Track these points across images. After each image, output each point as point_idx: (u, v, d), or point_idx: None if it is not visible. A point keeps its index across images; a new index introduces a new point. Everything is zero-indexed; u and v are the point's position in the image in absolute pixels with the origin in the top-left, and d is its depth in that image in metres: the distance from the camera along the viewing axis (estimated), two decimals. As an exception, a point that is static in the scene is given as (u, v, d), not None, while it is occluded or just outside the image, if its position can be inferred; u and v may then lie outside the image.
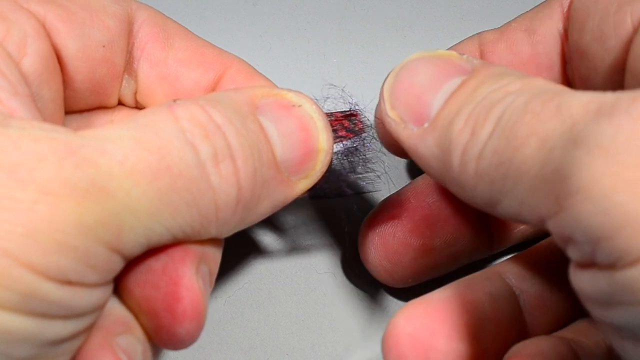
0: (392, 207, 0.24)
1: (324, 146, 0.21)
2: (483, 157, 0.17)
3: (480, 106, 0.18)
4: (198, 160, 0.17)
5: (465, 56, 0.21)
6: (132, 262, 0.19)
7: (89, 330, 0.18)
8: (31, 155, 0.15)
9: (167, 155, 0.17)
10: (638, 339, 0.14)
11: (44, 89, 0.21)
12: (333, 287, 0.31)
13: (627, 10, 0.20)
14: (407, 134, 0.20)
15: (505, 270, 0.23)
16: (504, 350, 0.20)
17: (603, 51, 0.21)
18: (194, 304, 0.19)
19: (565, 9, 0.23)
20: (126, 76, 0.24)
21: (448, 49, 0.25)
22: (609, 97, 0.15)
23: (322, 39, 0.38)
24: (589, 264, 0.15)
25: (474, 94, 0.19)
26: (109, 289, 0.18)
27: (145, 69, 0.24)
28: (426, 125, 0.20)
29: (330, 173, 0.23)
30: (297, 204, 0.32)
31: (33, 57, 0.20)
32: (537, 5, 0.25)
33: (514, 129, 0.17)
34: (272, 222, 0.32)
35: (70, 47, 0.22)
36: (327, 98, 0.24)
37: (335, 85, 0.24)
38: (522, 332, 0.22)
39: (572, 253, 0.15)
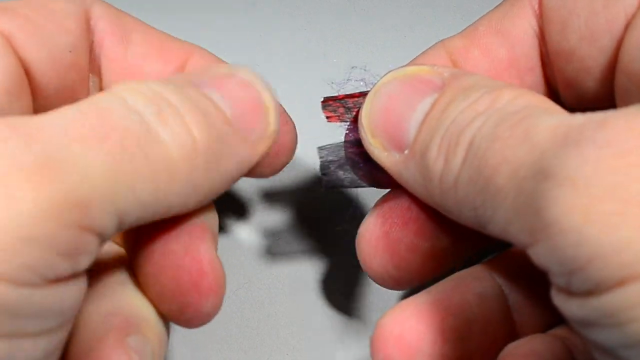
0: (393, 208, 0.22)
1: (270, 104, 0.21)
2: (459, 185, 0.18)
3: (449, 132, 0.18)
4: (141, 118, 0.17)
5: (435, 68, 0.21)
6: (151, 249, 0.19)
7: (62, 347, 0.17)
8: None
9: (109, 117, 0.17)
10: (617, 357, 0.14)
11: (14, 104, 0.20)
12: (333, 287, 0.31)
13: (620, 6, 0.19)
14: (391, 161, 0.20)
15: (494, 269, 0.23)
16: (492, 349, 0.20)
17: (595, 51, 0.20)
18: (217, 278, 0.19)
19: (536, 7, 0.22)
20: (90, 75, 0.24)
21: (414, 59, 0.24)
22: (577, 120, 0.15)
23: (322, 39, 0.38)
24: (565, 291, 0.15)
25: (444, 116, 0.19)
26: (85, 281, 0.17)
27: (107, 66, 0.24)
28: (406, 152, 0.20)
29: (347, 161, 0.23)
30: (298, 203, 0.32)
31: (1, 75, 0.20)
32: (502, 4, 0.23)
33: (484, 156, 0.16)
34: (272, 222, 0.32)
35: (37, 58, 0.21)
36: (349, 80, 0.23)
37: (356, 67, 0.24)
38: (511, 331, 0.22)
39: (551, 279, 0.16)
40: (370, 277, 0.23)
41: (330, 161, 0.23)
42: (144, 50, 0.24)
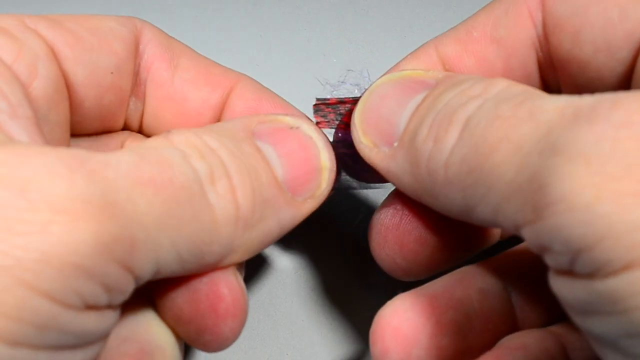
0: (406, 201, 0.22)
1: (326, 164, 0.21)
2: (451, 164, 0.17)
3: (442, 113, 0.18)
4: (196, 176, 0.18)
5: (430, 72, 0.21)
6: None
7: None
8: (41, 169, 0.15)
9: (168, 168, 0.17)
10: (617, 348, 0.14)
11: (52, 113, 0.21)
12: (333, 287, 0.31)
13: (636, 18, 0.19)
14: (380, 156, 0.21)
15: (498, 265, 0.23)
16: (490, 346, 0.20)
17: (612, 62, 0.20)
18: (236, 301, 0.19)
19: (537, 15, 0.22)
20: (133, 99, 0.24)
21: (404, 58, 0.24)
22: (586, 100, 0.15)
23: (322, 39, 0.38)
24: (566, 272, 0.15)
25: (436, 102, 0.19)
26: (118, 314, 0.18)
27: (152, 91, 0.24)
28: (396, 144, 0.20)
29: (355, 162, 0.23)
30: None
31: (44, 80, 0.20)
32: (495, 7, 0.23)
33: (483, 134, 0.16)
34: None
35: (78, 74, 0.21)
36: (343, 82, 0.23)
37: (352, 70, 0.24)
38: (512, 328, 0.22)
39: (549, 261, 0.15)
40: (380, 266, 0.24)
41: None
42: (191, 76, 0.24)
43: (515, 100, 0.16)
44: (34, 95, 0.20)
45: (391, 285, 0.31)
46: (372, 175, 0.22)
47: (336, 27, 0.38)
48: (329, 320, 0.30)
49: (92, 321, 0.16)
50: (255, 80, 0.26)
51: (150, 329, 0.20)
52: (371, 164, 0.21)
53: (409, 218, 0.22)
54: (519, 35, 0.22)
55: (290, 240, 0.32)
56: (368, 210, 0.33)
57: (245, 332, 0.30)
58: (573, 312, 0.15)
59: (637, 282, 0.13)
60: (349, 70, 0.24)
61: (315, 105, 0.23)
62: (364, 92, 0.22)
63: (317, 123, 0.23)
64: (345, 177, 0.24)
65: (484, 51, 0.22)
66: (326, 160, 0.21)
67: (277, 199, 0.20)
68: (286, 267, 0.31)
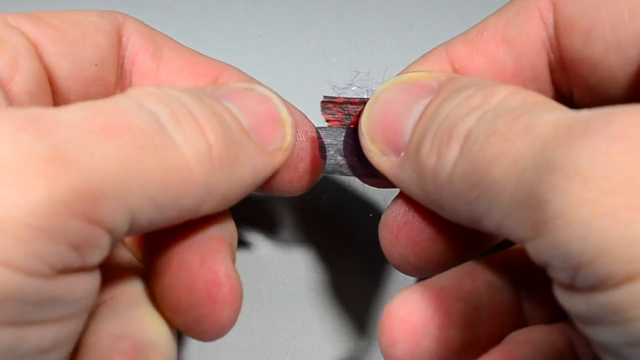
0: (414, 200, 0.22)
1: (287, 119, 0.22)
2: (454, 179, 0.17)
3: (443, 126, 0.18)
4: (157, 120, 0.17)
5: (433, 73, 0.21)
6: (168, 260, 0.19)
7: (72, 341, 0.17)
8: None
9: (123, 115, 0.17)
10: (619, 356, 0.14)
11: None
12: (333, 287, 0.31)
13: None
14: (389, 165, 0.21)
15: (506, 259, 0.23)
16: (498, 338, 0.20)
17: (623, 61, 0.20)
18: (233, 290, 0.19)
19: (548, 15, 0.22)
20: (118, 91, 0.24)
21: (414, 62, 0.24)
22: (582, 114, 0.15)
23: (322, 39, 0.38)
24: (568, 287, 0.15)
25: (437, 113, 0.19)
26: (97, 278, 0.17)
27: (137, 81, 0.24)
28: (403, 154, 0.20)
29: (346, 163, 0.23)
30: (298, 203, 0.32)
31: (25, 76, 0.20)
32: (506, 8, 0.23)
33: (482, 150, 0.16)
34: (272, 221, 0.32)
35: (63, 68, 0.21)
36: (351, 85, 0.24)
37: (360, 72, 0.24)
38: (519, 322, 0.22)
39: (552, 275, 0.15)
40: (391, 264, 0.24)
41: (329, 144, 0.23)
42: (176, 66, 0.24)
43: (513, 114, 0.16)
44: (16, 90, 0.20)
45: (393, 286, 0.31)
46: (384, 181, 0.22)
47: (336, 27, 0.38)
48: (329, 320, 0.30)
49: (65, 287, 0.15)
50: (240, 70, 0.26)
51: (144, 325, 0.20)
52: (381, 171, 0.21)
53: (419, 216, 0.22)
54: (530, 35, 0.22)
55: (291, 240, 0.32)
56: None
57: (245, 332, 0.30)
58: (577, 321, 0.15)
59: (636, 294, 0.13)
60: (357, 72, 0.24)
61: (322, 102, 0.23)
62: (373, 94, 0.22)
63: (327, 121, 0.23)
64: (331, 161, 0.24)
65: (495, 51, 0.22)
66: (285, 114, 0.22)
67: (247, 144, 0.20)
68: (286, 267, 0.31)
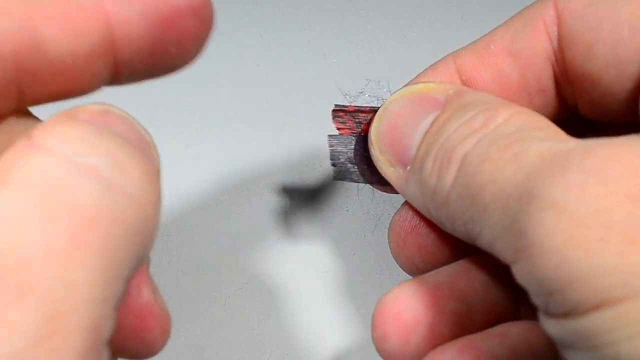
0: None
1: (149, 137, 0.17)
2: (451, 201, 0.18)
3: (444, 147, 0.19)
4: (104, 182, 0.14)
5: (442, 85, 0.21)
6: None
7: None
8: None
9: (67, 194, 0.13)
10: None
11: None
12: (333, 287, 0.31)
13: None
14: (396, 176, 0.21)
15: None
16: None
17: (623, 77, 0.20)
18: (162, 326, 0.18)
19: (553, 30, 0.22)
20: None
21: (423, 72, 0.24)
22: (566, 146, 0.15)
23: (322, 39, 0.38)
24: (543, 312, 0.15)
25: (440, 133, 0.19)
26: None
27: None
28: (409, 167, 0.21)
29: (357, 170, 0.24)
30: (298, 202, 0.32)
31: None
32: (514, 20, 0.23)
33: (474, 174, 0.17)
34: (272, 222, 0.32)
35: None
36: (362, 93, 0.24)
37: (371, 81, 0.24)
38: (514, 320, 0.22)
39: (531, 299, 0.16)
40: (399, 267, 0.24)
41: (340, 152, 0.24)
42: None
43: (506, 141, 0.17)
44: None
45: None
46: (391, 188, 0.22)
47: (336, 27, 0.38)
48: (329, 320, 0.30)
49: None
50: None
51: None
52: (388, 180, 0.22)
53: (425, 222, 0.23)
54: (535, 48, 0.22)
55: (291, 241, 0.32)
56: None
57: (245, 332, 0.30)
58: (556, 344, 0.16)
59: (604, 322, 0.13)
60: (368, 80, 0.24)
61: (334, 111, 0.24)
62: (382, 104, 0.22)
63: (338, 129, 0.24)
64: (342, 167, 0.24)
65: (501, 63, 0.23)
66: (147, 134, 0.17)
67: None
68: (286, 267, 0.31)
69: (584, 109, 0.22)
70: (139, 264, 0.15)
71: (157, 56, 0.18)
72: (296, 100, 0.35)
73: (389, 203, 0.33)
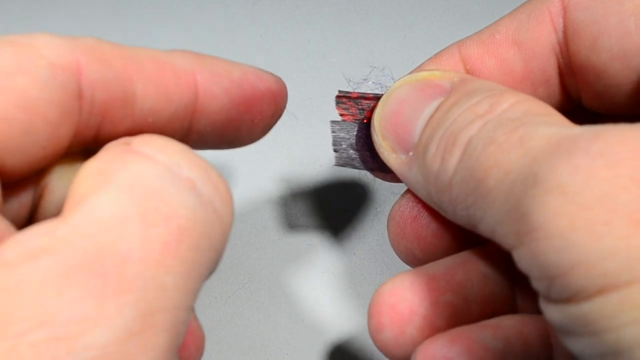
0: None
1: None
2: (454, 185, 0.18)
3: (448, 132, 0.19)
4: (199, 196, 0.14)
5: (446, 73, 0.21)
6: None
7: None
8: None
9: (167, 207, 0.14)
10: None
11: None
12: (333, 287, 0.31)
13: None
14: (398, 162, 0.21)
15: (504, 250, 0.23)
16: None
17: (628, 70, 0.20)
18: (198, 347, 0.19)
19: (559, 21, 0.22)
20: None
21: (428, 59, 0.25)
22: (573, 131, 0.15)
23: (322, 39, 0.38)
24: (545, 297, 0.15)
25: (445, 118, 0.19)
26: None
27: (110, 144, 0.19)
28: (411, 153, 0.20)
29: (358, 157, 0.24)
30: (298, 202, 0.32)
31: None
32: (519, 11, 0.23)
33: (479, 158, 0.17)
34: (272, 222, 0.32)
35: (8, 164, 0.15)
36: (366, 80, 0.24)
37: (375, 68, 0.24)
38: (511, 313, 0.22)
39: (532, 284, 0.16)
40: (398, 257, 0.24)
41: (342, 138, 0.24)
42: (152, 105, 0.18)
43: (511, 125, 0.17)
44: None
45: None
46: (394, 176, 0.22)
47: (336, 27, 0.38)
48: (329, 320, 0.30)
49: None
50: (191, 52, 0.18)
51: None
52: (390, 167, 0.22)
53: (426, 211, 0.22)
54: (540, 39, 0.22)
55: (291, 240, 0.32)
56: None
57: (245, 332, 0.30)
58: (556, 330, 0.16)
59: (607, 306, 0.13)
60: (372, 67, 0.24)
61: (337, 97, 0.24)
62: (387, 90, 0.22)
63: (341, 115, 0.24)
64: (344, 154, 0.24)
65: (505, 53, 0.23)
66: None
67: None
68: (286, 267, 0.31)
69: (588, 100, 0.22)
70: (207, 278, 0.15)
71: (229, 131, 0.18)
72: (297, 100, 0.35)
73: (389, 203, 0.33)
